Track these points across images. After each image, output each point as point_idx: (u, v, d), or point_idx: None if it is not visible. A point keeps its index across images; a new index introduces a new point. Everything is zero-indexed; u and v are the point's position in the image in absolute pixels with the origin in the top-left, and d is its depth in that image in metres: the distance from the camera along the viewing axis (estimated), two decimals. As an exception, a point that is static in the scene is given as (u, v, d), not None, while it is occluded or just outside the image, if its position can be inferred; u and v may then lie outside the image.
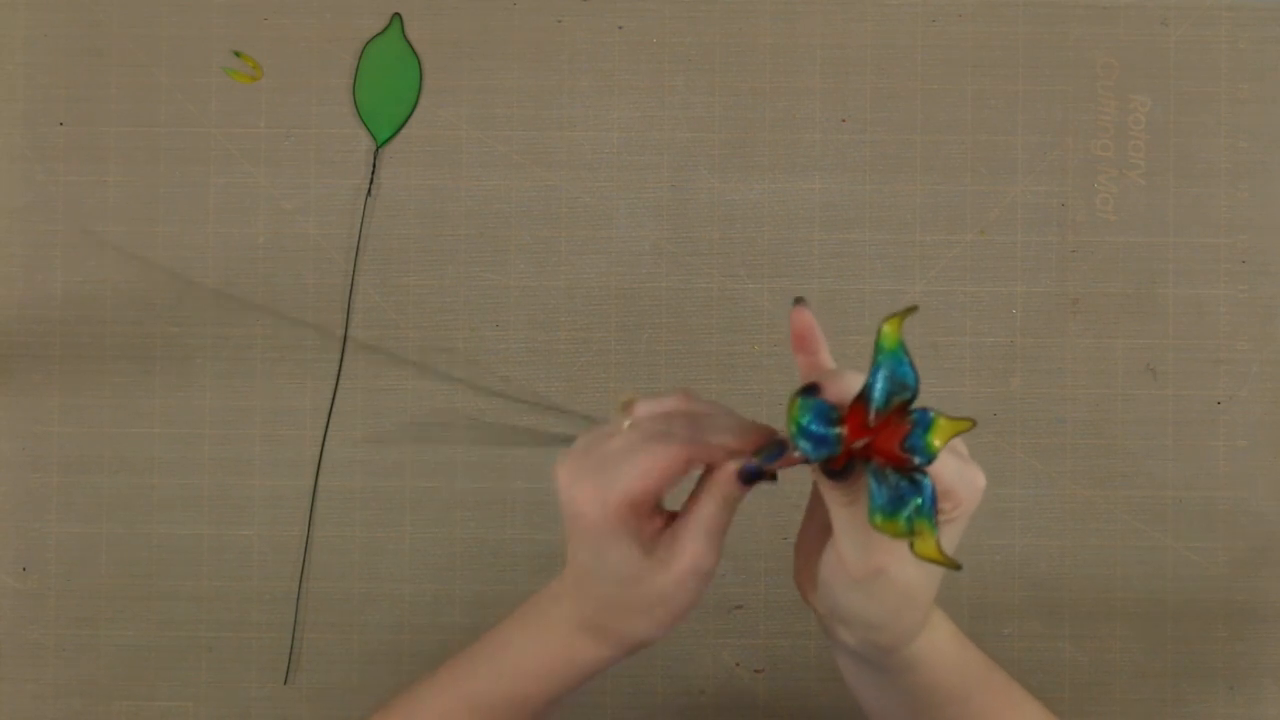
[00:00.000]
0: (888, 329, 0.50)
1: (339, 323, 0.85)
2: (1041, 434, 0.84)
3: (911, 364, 0.50)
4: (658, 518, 0.58)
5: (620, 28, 0.85)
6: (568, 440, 0.59)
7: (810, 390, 0.51)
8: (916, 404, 0.50)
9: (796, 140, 0.85)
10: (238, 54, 0.86)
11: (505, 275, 0.85)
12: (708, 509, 0.56)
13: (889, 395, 0.50)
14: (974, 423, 0.50)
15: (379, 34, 0.85)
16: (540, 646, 0.60)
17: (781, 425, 0.54)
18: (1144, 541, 0.84)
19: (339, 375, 0.85)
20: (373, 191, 0.85)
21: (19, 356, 0.85)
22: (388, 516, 0.85)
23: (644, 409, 0.58)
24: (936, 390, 0.83)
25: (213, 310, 0.85)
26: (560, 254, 0.85)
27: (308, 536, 0.85)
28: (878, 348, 0.50)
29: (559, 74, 0.86)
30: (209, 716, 0.85)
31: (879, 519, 0.50)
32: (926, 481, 0.50)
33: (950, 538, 0.54)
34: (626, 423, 0.57)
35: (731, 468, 0.55)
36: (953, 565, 0.50)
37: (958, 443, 0.54)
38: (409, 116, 0.85)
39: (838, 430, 0.50)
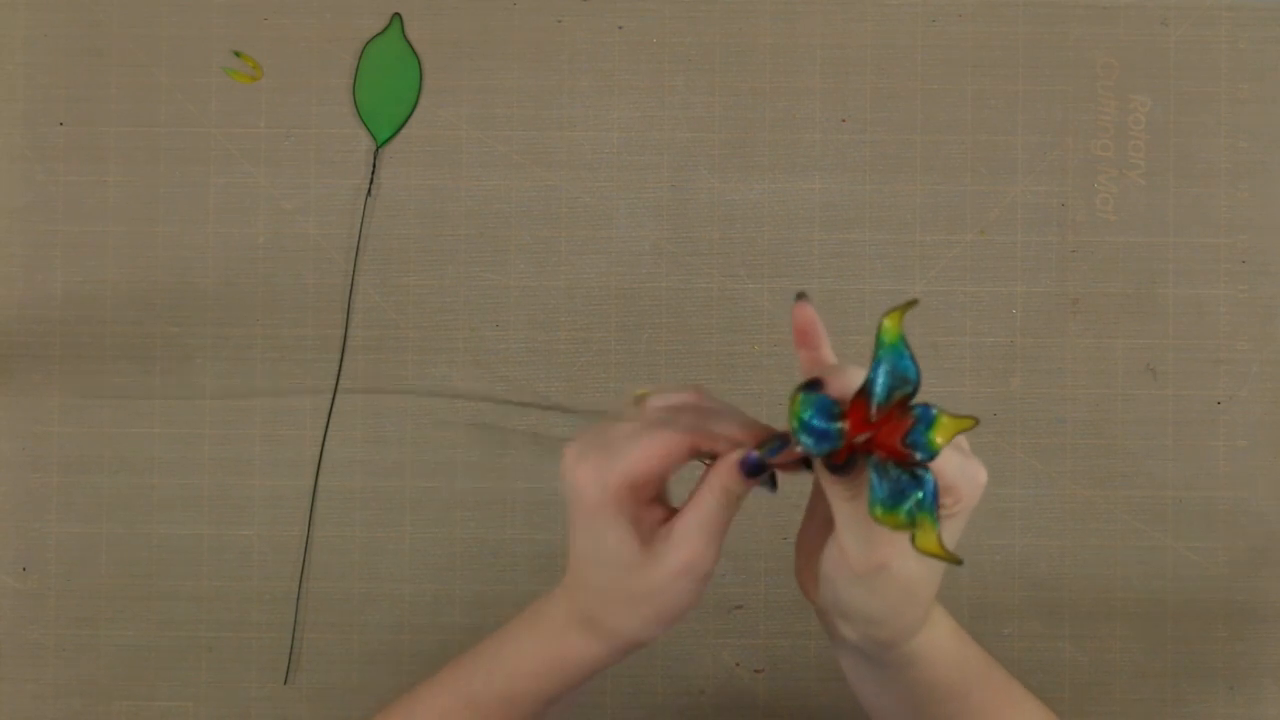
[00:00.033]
0: (888, 323, 0.50)
1: (339, 323, 0.85)
2: (1041, 434, 0.84)
3: (913, 358, 0.50)
4: (659, 510, 0.58)
5: (620, 28, 0.86)
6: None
7: (812, 385, 0.51)
8: (918, 399, 0.50)
9: (796, 140, 0.85)
10: (238, 54, 0.86)
11: (505, 275, 0.85)
12: (707, 506, 0.56)
13: (890, 389, 0.50)
14: (976, 421, 0.50)
15: (379, 34, 0.86)
16: (535, 644, 0.60)
17: (783, 425, 0.54)
18: (1144, 541, 0.84)
19: (339, 375, 0.85)
20: (373, 191, 0.85)
21: (19, 356, 0.85)
22: (388, 516, 0.85)
23: (655, 402, 0.59)
24: (937, 390, 0.83)
25: (213, 310, 0.85)
26: (560, 254, 0.85)
27: (308, 536, 0.85)
28: (878, 342, 0.50)
29: (559, 74, 0.86)
30: (209, 716, 0.85)
31: (879, 511, 0.50)
32: (928, 476, 0.50)
33: (951, 533, 0.54)
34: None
35: (733, 457, 0.55)
36: (954, 560, 0.50)
37: (960, 438, 0.54)
38: (409, 116, 0.85)
39: (839, 425, 0.51)
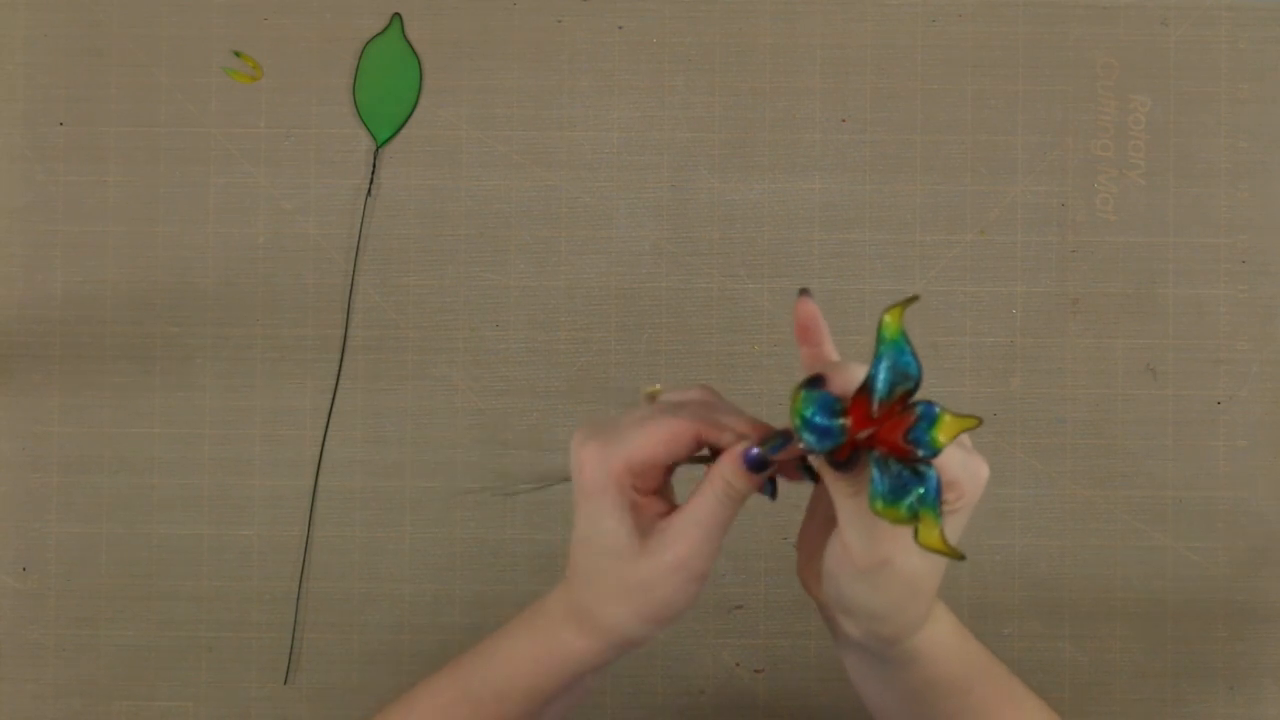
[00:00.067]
0: (889, 319, 0.50)
1: (339, 323, 0.85)
2: (1041, 434, 0.84)
3: (914, 353, 0.50)
4: (660, 504, 0.58)
5: (620, 28, 0.86)
6: None
7: (814, 382, 0.51)
8: (921, 396, 0.50)
9: (796, 140, 0.85)
10: (238, 54, 0.86)
11: (505, 275, 0.85)
12: (707, 501, 0.56)
13: (892, 385, 0.50)
14: (980, 421, 0.50)
15: (379, 34, 0.86)
16: (530, 639, 0.60)
17: (784, 424, 0.54)
18: (1144, 541, 0.84)
19: (339, 375, 0.85)
20: (373, 191, 0.85)
21: (19, 356, 0.85)
22: (388, 516, 0.85)
23: (666, 398, 0.59)
24: (937, 390, 0.83)
25: (213, 310, 0.85)
26: (560, 254, 0.85)
27: (308, 536, 0.85)
28: (879, 338, 0.50)
29: (559, 74, 0.86)
30: (209, 716, 0.85)
31: (880, 505, 0.50)
32: (931, 472, 0.50)
33: (954, 528, 0.54)
34: None
35: (736, 450, 0.55)
36: (956, 555, 0.50)
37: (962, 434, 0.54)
38: (409, 116, 0.85)
39: (842, 421, 0.51)
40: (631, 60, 0.85)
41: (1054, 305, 0.84)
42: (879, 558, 0.54)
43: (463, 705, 0.62)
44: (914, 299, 0.51)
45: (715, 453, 0.57)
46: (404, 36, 0.85)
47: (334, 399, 0.85)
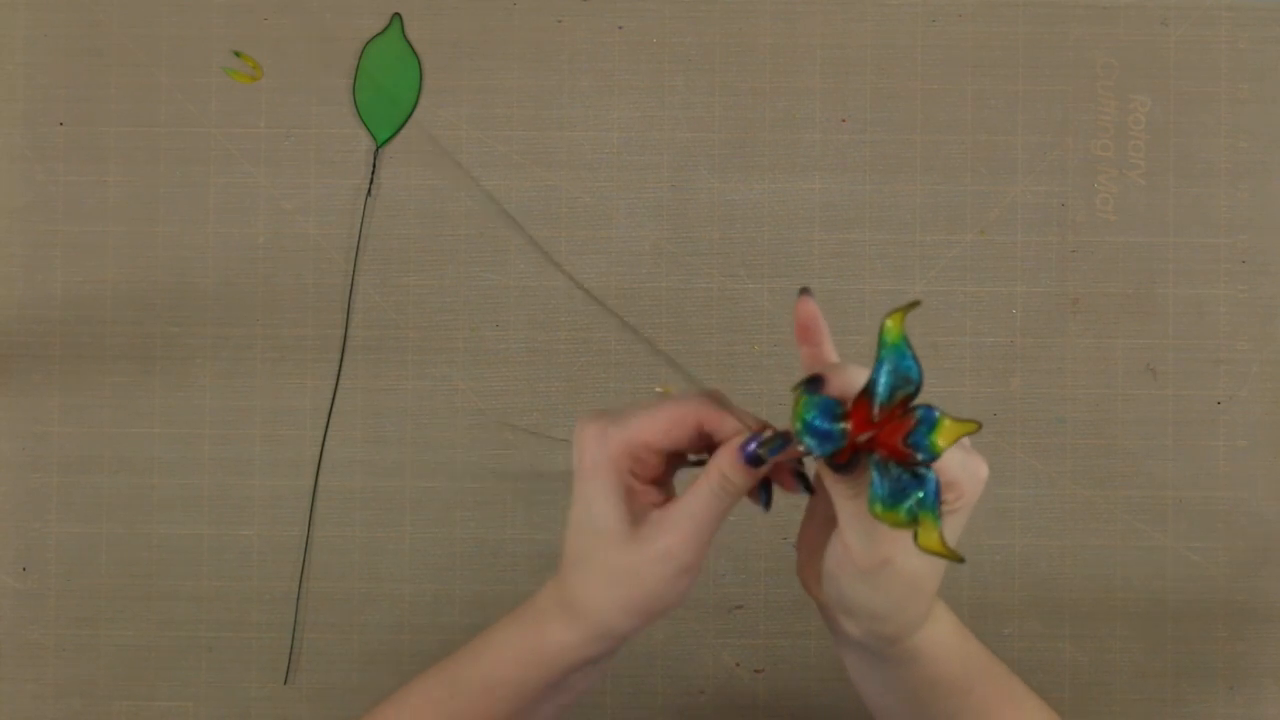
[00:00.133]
0: (890, 323, 0.50)
1: (339, 323, 0.85)
2: (1041, 434, 0.84)
3: (915, 358, 0.50)
4: (657, 494, 0.58)
5: (620, 28, 0.85)
6: None
7: (814, 383, 0.51)
8: (921, 399, 0.50)
9: (796, 140, 0.85)
10: (238, 54, 0.86)
11: (505, 275, 0.85)
12: (701, 495, 0.56)
13: (893, 389, 0.50)
14: (979, 425, 0.50)
15: (379, 34, 0.86)
16: (517, 630, 0.60)
17: (783, 424, 0.54)
18: (1144, 541, 0.84)
19: (339, 375, 0.85)
20: (373, 191, 0.85)
21: (19, 356, 0.85)
22: (388, 516, 0.85)
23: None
24: (937, 390, 0.83)
25: (213, 310, 0.85)
26: (560, 254, 0.85)
27: (308, 536, 0.85)
28: (881, 342, 0.50)
29: (559, 74, 0.86)
30: (209, 716, 0.85)
31: (879, 508, 0.50)
32: (931, 475, 0.50)
33: (953, 528, 0.54)
34: None
35: (734, 443, 0.55)
36: (956, 558, 0.50)
37: None
38: (409, 116, 0.85)
39: (842, 425, 0.51)
40: (631, 60, 0.85)
41: (1054, 305, 0.84)
42: (879, 558, 0.54)
43: (451, 700, 0.61)
44: (915, 304, 0.51)
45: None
46: (404, 36, 0.85)
47: (334, 399, 0.85)
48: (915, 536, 0.50)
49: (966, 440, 0.54)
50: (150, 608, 0.85)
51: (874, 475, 0.50)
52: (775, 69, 0.85)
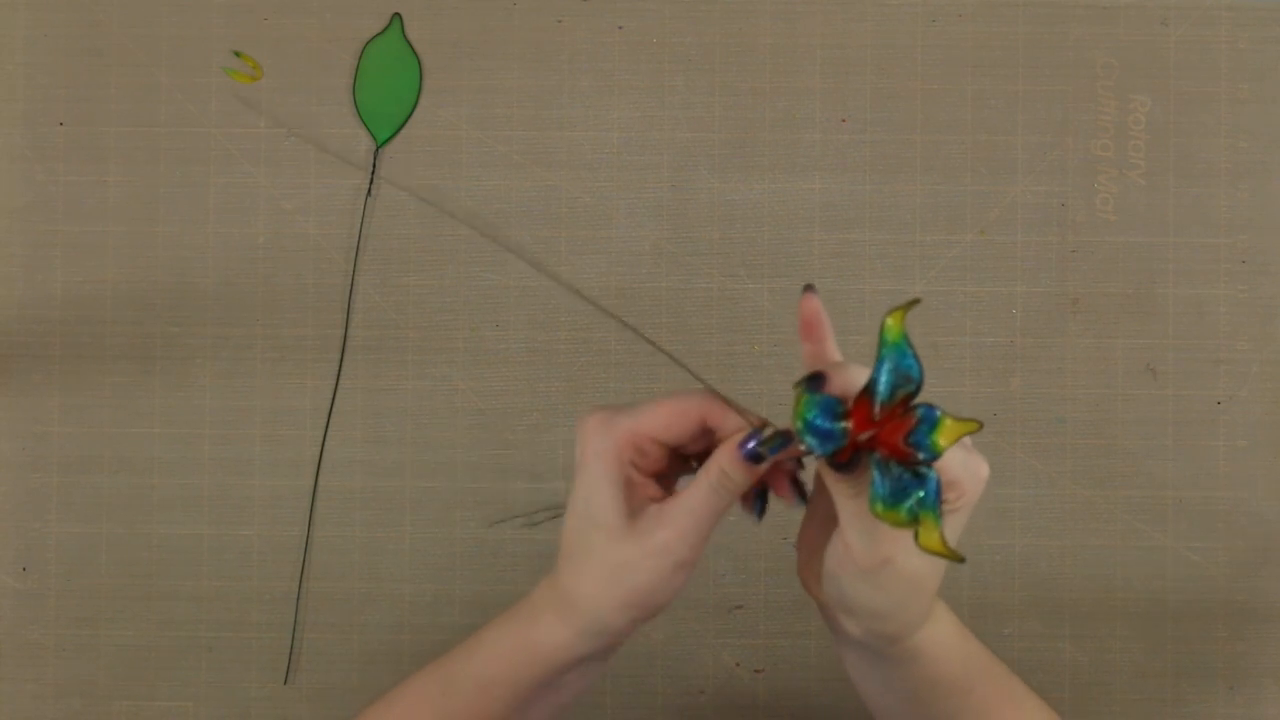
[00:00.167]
0: (891, 322, 0.50)
1: (339, 323, 0.85)
2: (1041, 434, 0.84)
3: (915, 356, 0.50)
4: (658, 489, 0.58)
5: (620, 28, 0.86)
6: None
7: (815, 380, 0.51)
8: (922, 398, 0.50)
9: (796, 140, 0.85)
10: (238, 54, 0.86)
11: (505, 275, 0.85)
12: (700, 491, 0.56)
13: (894, 388, 0.50)
14: (980, 425, 0.50)
15: (379, 34, 0.86)
16: (511, 626, 0.60)
17: (784, 424, 0.54)
18: (1144, 541, 0.84)
19: (339, 375, 0.85)
20: (373, 191, 0.85)
21: (19, 356, 0.85)
22: (388, 516, 0.85)
23: None
24: (937, 390, 0.83)
25: (213, 310, 0.85)
26: (560, 254, 0.85)
27: (308, 536, 0.85)
28: (881, 340, 0.50)
29: (559, 74, 0.86)
30: (209, 716, 0.85)
31: (880, 508, 0.50)
32: (931, 475, 0.50)
33: (954, 528, 0.54)
34: None
35: (735, 439, 0.55)
36: (957, 558, 0.50)
37: None
38: (409, 116, 0.85)
39: (844, 424, 0.51)
40: (631, 60, 0.85)
41: (1054, 305, 0.84)
42: (880, 557, 0.54)
43: (445, 699, 0.61)
44: (915, 302, 0.51)
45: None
46: (404, 36, 0.85)
47: (334, 399, 0.85)
48: (916, 536, 0.50)
49: (967, 439, 0.54)
50: (150, 608, 0.85)
51: (875, 474, 0.50)
52: (775, 69, 0.85)
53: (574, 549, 0.58)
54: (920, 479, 0.50)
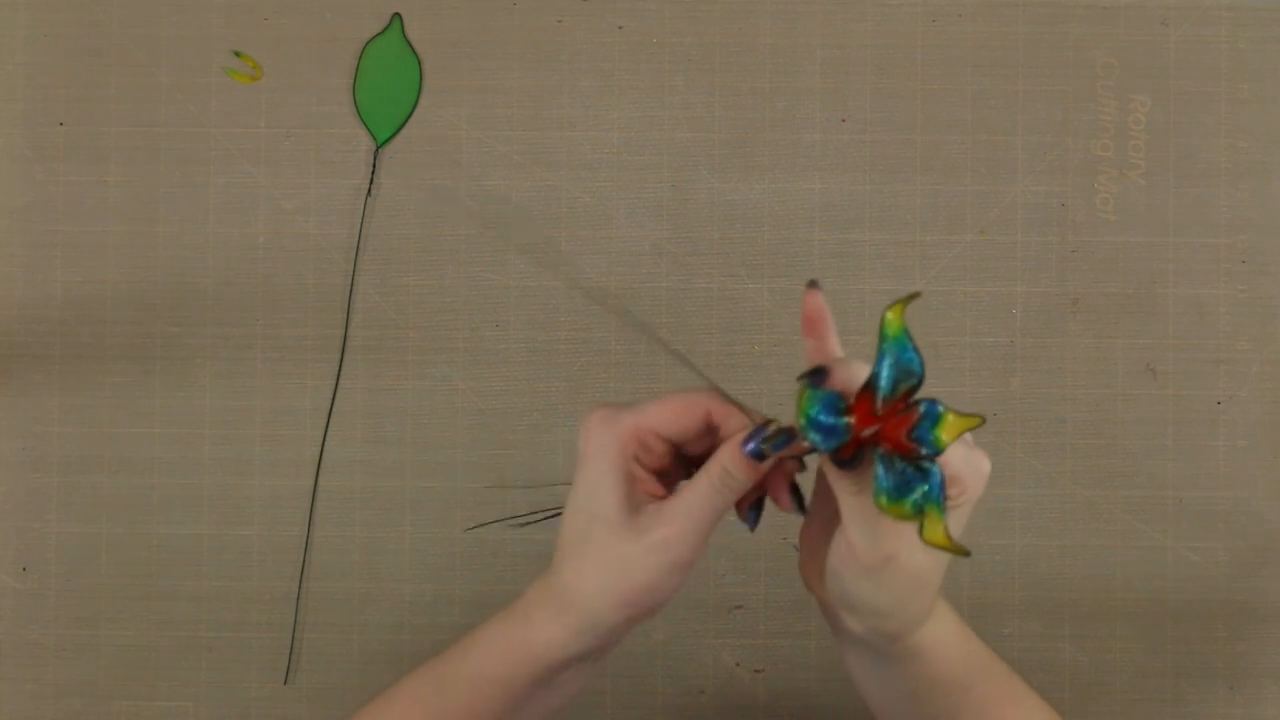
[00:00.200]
0: (891, 316, 0.50)
1: (339, 323, 0.85)
2: (1041, 434, 0.84)
3: (916, 350, 0.50)
4: (659, 486, 0.58)
5: (620, 28, 0.86)
6: None
7: (818, 374, 0.51)
8: (924, 393, 0.50)
9: (796, 140, 0.85)
10: (238, 54, 0.86)
11: (505, 275, 0.85)
12: (701, 490, 0.56)
13: (895, 382, 0.50)
14: (983, 420, 0.50)
15: (379, 34, 0.86)
16: (505, 625, 0.60)
17: (788, 423, 0.54)
18: (1144, 541, 0.84)
19: (339, 375, 0.85)
20: (373, 191, 0.85)
21: (19, 356, 0.85)
22: (388, 516, 0.85)
23: None
24: (937, 390, 0.82)
25: (213, 310, 0.85)
26: (560, 254, 0.85)
27: (308, 536, 0.85)
28: (882, 335, 0.50)
29: (559, 74, 0.86)
30: (209, 716, 0.85)
31: (884, 501, 0.50)
32: (935, 469, 0.50)
33: (957, 524, 0.54)
34: None
35: (738, 437, 0.55)
36: (962, 551, 0.50)
37: None
38: (409, 116, 0.85)
39: (846, 420, 0.51)
40: (631, 60, 0.85)
41: (1054, 305, 0.85)
42: (883, 554, 0.54)
43: (439, 698, 0.61)
44: (915, 295, 0.51)
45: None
46: (404, 36, 0.85)
47: (334, 399, 0.85)
48: (920, 530, 0.50)
49: (969, 436, 0.54)
50: (150, 608, 0.85)
51: (879, 468, 0.50)
52: (775, 69, 0.85)
53: (573, 544, 0.58)
54: (924, 473, 0.50)
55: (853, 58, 0.85)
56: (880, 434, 0.51)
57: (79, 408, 0.85)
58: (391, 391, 0.85)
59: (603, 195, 0.85)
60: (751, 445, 0.55)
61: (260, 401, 0.85)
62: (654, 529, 0.56)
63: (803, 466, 0.57)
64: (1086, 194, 0.85)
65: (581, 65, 0.86)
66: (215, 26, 0.86)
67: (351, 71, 0.85)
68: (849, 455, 0.52)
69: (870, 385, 0.50)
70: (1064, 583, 0.84)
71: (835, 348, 0.56)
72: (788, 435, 0.54)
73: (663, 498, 0.58)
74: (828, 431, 0.51)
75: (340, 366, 0.85)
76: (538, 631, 0.59)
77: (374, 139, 0.85)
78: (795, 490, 0.58)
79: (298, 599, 0.84)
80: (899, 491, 0.50)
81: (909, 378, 0.50)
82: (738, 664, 0.84)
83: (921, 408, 0.50)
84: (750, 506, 0.58)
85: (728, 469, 0.55)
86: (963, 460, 0.53)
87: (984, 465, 0.54)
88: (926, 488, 0.50)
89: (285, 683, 0.84)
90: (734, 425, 0.57)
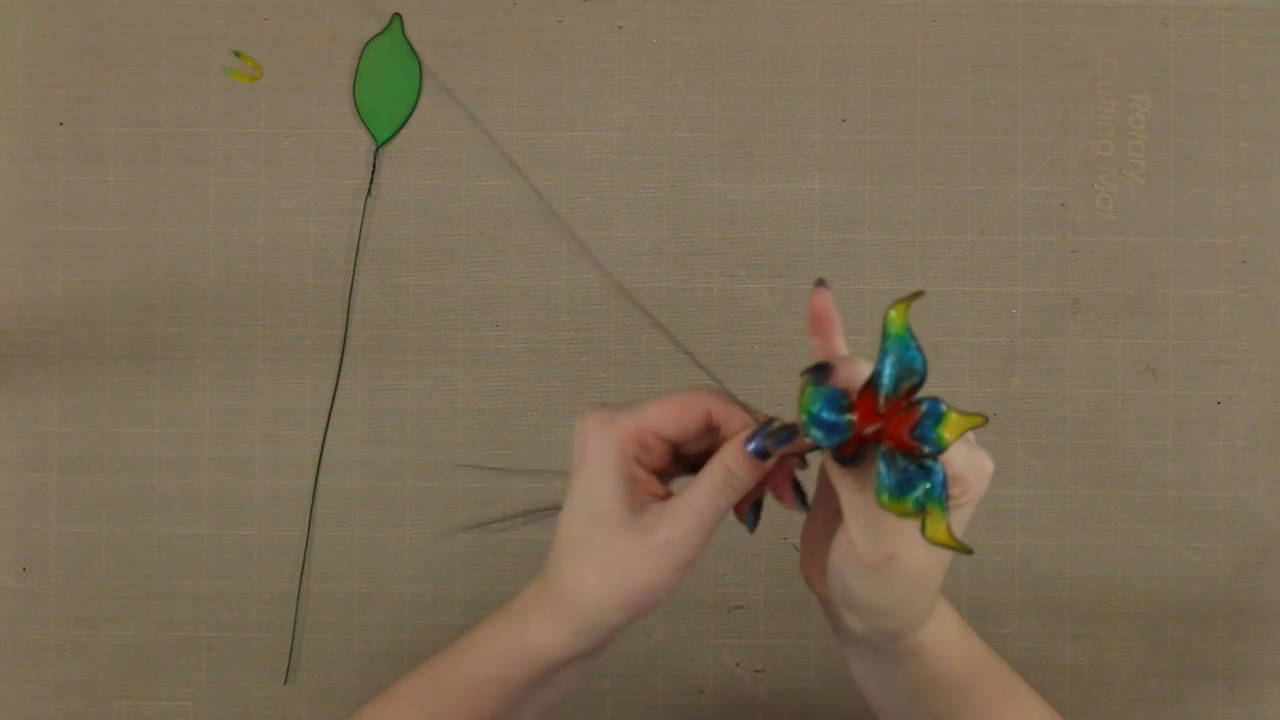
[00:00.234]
0: (894, 314, 0.50)
1: (339, 323, 0.85)
2: (1041, 434, 0.84)
3: (919, 348, 0.50)
4: (659, 486, 0.58)
5: (620, 28, 0.86)
6: None
7: (821, 370, 0.51)
8: (927, 391, 0.50)
9: (796, 140, 0.85)
10: (238, 54, 0.86)
11: (505, 275, 0.85)
12: (704, 489, 0.56)
13: (898, 380, 0.50)
14: (985, 419, 0.50)
15: (379, 34, 0.86)
16: (501, 627, 0.60)
17: (790, 419, 0.54)
18: (1144, 541, 0.84)
19: (339, 375, 0.85)
20: (373, 191, 0.85)
21: (19, 356, 0.85)
22: (388, 516, 0.85)
23: None
24: (937, 390, 0.82)
25: (213, 310, 0.85)
26: (560, 254, 0.85)
27: (308, 536, 0.84)
28: (885, 333, 0.50)
29: (559, 74, 0.86)
30: (209, 716, 0.84)
31: (886, 498, 0.50)
32: (937, 467, 0.50)
33: (959, 523, 0.54)
34: None
35: (740, 436, 0.55)
36: (964, 549, 0.50)
37: None
38: (409, 116, 0.85)
39: (849, 417, 0.51)
40: (631, 60, 0.85)
41: (1054, 305, 0.85)
42: (885, 553, 0.54)
43: (436, 698, 0.61)
44: (919, 294, 0.51)
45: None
46: (404, 36, 0.85)
47: (334, 399, 0.85)
48: (923, 528, 0.50)
49: (972, 436, 0.54)
50: (150, 608, 0.85)
51: (881, 466, 0.50)
52: (775, 69, 0.85)
53: (572, 546, 0.58)
54: (926, 471, 0.50)
55: (853, 58, 0.85)
56: (882, 432, 0.51)
57: (79, 408, 0.85)
58: (391, 391, 0.85)
59: (603, 195, 0.85)
60: (754, 443, 0.55)
61: (260, 401, 0.85)
62: (658, 529, 0.56)
63: (804, 464, 0.57)
64: (1086, 194, 0.85)
65: (581, 65, 0.86)
66: (215, 26, 0.86)
67: (351, 71, 0.85)
68: (851, 452, 0.52)
69: (873, 383, 0.50)
70: (1064, 583, 0.84)
71: (841, 347, 0.56)
72: (790, 432, 0.54)
73: (663, 497, 0.58)
74: (830, 428, 0.51)
75: (340, 366, 0.85)
76: (536, 633, 0.59)
77: (374, 139, 0.85)
78: (797, 486, 0.57)
79: (298, 599, 0.84)
80: (901, 489, 0.50)
81: (911, 376, 0.50)
82: (738, 664, 0.84)
83: (924, 406, 0.50)
84: (749, 507, 0.58)
85: (731, 468, 0.55)
86: (965, 460, 0.53)
87: (987, 465, 0.54)
88: (929, 485, 0.50)
89: (285, 683, 0.84)
90: (735, 424, 0.57)
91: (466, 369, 0.85)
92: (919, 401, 0.50)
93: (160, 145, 0.85)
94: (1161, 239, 0.84)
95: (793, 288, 0.84)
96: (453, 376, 0.85)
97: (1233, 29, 0.85)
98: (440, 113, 0.85)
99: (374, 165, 0.85)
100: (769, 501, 0.58)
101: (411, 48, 0.85)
